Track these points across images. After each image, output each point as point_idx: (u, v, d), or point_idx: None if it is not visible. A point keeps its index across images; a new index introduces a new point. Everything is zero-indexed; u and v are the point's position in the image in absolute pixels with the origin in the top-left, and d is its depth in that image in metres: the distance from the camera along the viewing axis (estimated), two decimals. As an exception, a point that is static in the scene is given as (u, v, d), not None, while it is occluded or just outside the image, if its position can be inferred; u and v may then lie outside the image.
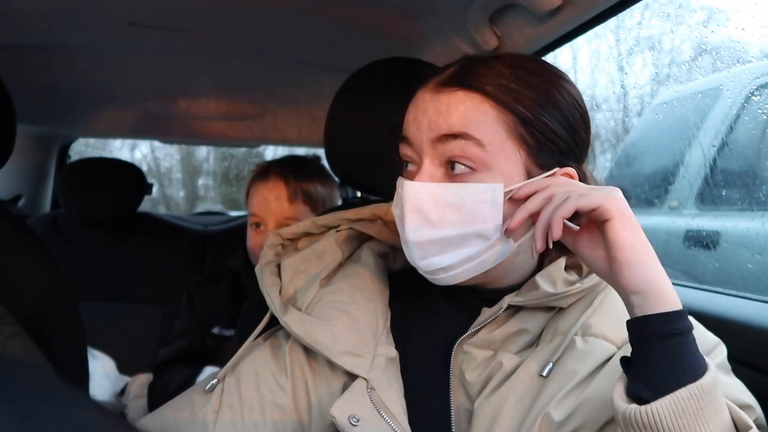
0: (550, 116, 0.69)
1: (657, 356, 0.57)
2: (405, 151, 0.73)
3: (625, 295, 0.61)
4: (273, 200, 1.38)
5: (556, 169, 0.70)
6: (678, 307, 0.59)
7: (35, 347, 0.95)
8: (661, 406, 0.55)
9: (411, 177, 0.71)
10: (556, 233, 0.61)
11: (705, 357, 0.59)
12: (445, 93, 0.70)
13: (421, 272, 0.73)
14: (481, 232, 0.67)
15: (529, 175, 0.69)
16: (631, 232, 0.60)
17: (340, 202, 2.43)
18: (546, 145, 0.69)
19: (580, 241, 0.65)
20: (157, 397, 1.44)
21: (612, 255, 0.61)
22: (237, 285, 1.51)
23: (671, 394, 0.55)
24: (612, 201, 0.61)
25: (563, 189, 0.64)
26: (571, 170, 0.70)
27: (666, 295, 0.59)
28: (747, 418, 0.60)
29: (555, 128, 0.69)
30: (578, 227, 0.66)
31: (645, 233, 0.62)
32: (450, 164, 0.69)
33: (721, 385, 0.58)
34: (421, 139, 0.70)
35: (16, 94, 1.09)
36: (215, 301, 1.50)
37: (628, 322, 0.61)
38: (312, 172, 1.44)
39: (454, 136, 0.68)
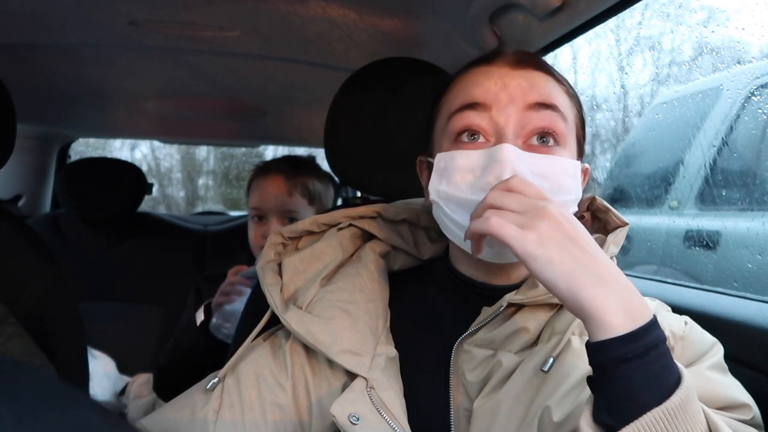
0: (581, 109, 0.77)
1: (615, 382, 0.54)
2: (472, 119, 0.71)
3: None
4: (272, 192, 1.44)
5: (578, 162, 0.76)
6: (630, 328, 0.54)
7: (36, 348, 0.95)
8: None
9: (476, 148, 0.70)
10: (468, 235, 0.65)
11: (680, 368, 0.56)
12: (526, 70, 0.72)
13: (487, 248, 0.68)
14: (565, 204, 0.70)
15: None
16: (549, 270, 0.57)
17: (339, 201, 2.43)
18: (582, 136, 0.76)
19: None
20: (165, 367, 1.41)
21: None
22: None
23: (635, 422, 0.52)
24: (520, 241, 0.58)
25: (489, 212, 0.61)
26: (587, 166, 0.78)
27: (608, 321, 0.55)
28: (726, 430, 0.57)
29: (584, 123, 0.77)
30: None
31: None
32: (532, 136, 0.70)
33: (694, 400, 0.55)
34: (506, 105, 0.70)
35: (16, 94, 1.09)
36: None
37: (585, 345, 0.58)
38: (309, 169, 1.51)
39: (547, 106, 0.70)
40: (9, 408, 0.27)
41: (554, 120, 0.70)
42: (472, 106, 0.71)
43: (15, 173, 2.46)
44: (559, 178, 0.69)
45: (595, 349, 0.56)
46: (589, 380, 0.59)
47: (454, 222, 0.72)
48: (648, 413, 0.52)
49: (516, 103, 0.70)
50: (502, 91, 0.70)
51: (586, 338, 0.69)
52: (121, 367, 1.90)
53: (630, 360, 0.54)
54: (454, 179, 0.71)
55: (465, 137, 0.71)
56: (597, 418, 0.56)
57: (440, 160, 0.74)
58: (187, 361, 1.33)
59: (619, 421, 0.53)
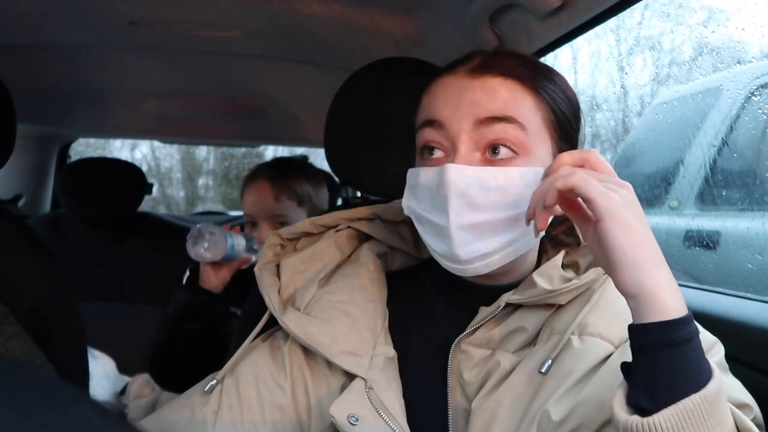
0: (566, 108, 0.73)
1: (658, 366, 0.55)
2: (431, 136, 0.71)
3: (624, 297, 0.59)
4: (260, 199, 1.46)
5: None
6: (681, 313, 0.56)
7: (36, 348, 0.95)
8: (664, 418, 0.53)
9: (437, 164, 0.70)
10: (549, 200, 0.59)
11: (709, 360, 0.57)
12: (483, 78, 0.70)
13: (452, 265, 0.71)
14: (523, 216, 0.67)
15: None
16: (623, 233, 0.57)
17: (339, 201, 2.43)
18: (566, 134, 0.73)
19: (590, 233, 0.62)
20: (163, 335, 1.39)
21: (605, 255, 0.59)
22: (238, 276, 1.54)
23: (673, 406, 0.53)
24: (605, 197, 0.57)
25: (570, 169, 0.60)
26: None
27: (665, 302, 0.56)
28: (752, 425, 0.59)
29: (572, 120, 0.74)
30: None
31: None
32: (489, 148, 0.69)
33: (724, 392, 0.56)
34: (459, 122, 0.69)
35: (16, 94, 1.09)
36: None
37: (629, 326, 0.59)
38: (298, 171, 1.51)
39: (499, 119, 0.68)
40: (9, 408, 0.27)
41: (508, 131, 0.68)
42: (431, 123, 0.72)
43: (15, 173, 2.46)
44: (517, 190, 0.68)
45: (642, 330, 0.57)
46: (624, 365, 0.59)
47: (423, 239, 0.74)
48: (686, 398, 0.53)
49: (468, 118, 0.69)
50: (455, 107, 0.70)
51: (585, 338, 0.70)
52: (121, 367, 1.90)
53: (677, 344, 0.55)
54: (420, 196, 0.72)
55: (428, 153, 0.72)
56: (632, 400, 0.56)
57: (410, 176, 0.75)
58: (172, 329, 1.33)
59: (656, 404, 0.54)
